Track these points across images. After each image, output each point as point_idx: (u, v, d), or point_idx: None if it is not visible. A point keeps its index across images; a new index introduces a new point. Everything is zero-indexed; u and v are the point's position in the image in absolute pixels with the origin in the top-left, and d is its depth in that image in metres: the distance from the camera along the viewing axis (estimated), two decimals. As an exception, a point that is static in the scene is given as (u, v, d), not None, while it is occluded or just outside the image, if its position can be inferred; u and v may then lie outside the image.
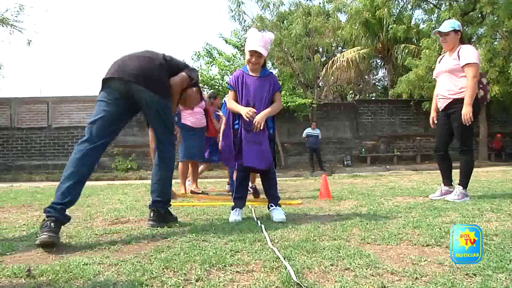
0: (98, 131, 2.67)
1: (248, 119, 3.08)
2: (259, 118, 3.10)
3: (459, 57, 4.01)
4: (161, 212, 2.97)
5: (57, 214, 2.42)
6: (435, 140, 4.47)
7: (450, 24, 4.12)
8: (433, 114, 4.42)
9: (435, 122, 4.38)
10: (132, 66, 2.78)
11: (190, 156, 5.39)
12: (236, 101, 3.24)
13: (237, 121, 3.26)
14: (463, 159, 4.13)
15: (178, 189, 5.39)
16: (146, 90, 2.74)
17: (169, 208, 3.06)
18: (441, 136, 4.29)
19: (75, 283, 1.66)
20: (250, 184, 5.45)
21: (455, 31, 4.08)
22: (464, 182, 4.07)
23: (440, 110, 4.27)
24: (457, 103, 4.00)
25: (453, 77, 4.06)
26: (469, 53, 3.96)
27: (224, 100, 4.97)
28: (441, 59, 4.34)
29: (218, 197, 5.37)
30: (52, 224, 2.35)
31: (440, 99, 4.23)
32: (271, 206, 3.22)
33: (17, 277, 1.74)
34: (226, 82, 3.74)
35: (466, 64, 3.93)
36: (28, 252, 2.22)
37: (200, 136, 5.46)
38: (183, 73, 3.01)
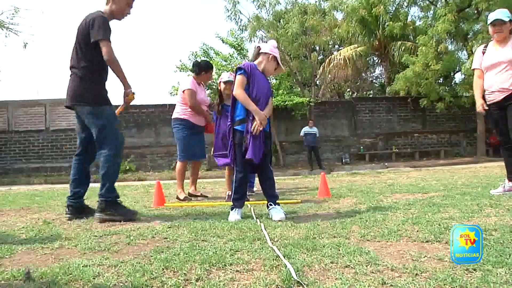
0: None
1: (255, 128, 3.11)
2: (264, 121, 3.14)
3: None
4: (101, 202, 3.31)
5: None
6: (498, 135, 4.25)
7: (505, 13, 3.93)
8: (481, 101, 4.17)
9: (485, 107, 4.16)
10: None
11: (191, 155, 5.06)
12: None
13: (240, 113, 3.24)
14: None
15: (178, 193, 4.95)
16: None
17: (108, 200, 3.33)
18: (504, 129, 4.05)
19: (75, 285, 1.65)
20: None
21: (510, 21, 3.92)
22: None
23: (490, 103, 4.08)
24: None
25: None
26: None
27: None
28: (484, 50, 4.16)
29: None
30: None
31: (495, 92, 4.02)
32: (270, 205, 3.22)
33: (17, 279, 1.74)
34: (238, 67, 3.60)
35: None
36: (27, 255, 2.21)
37: (201, 134, 5.22)
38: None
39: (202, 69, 5.09)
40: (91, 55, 3.33)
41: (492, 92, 4.04)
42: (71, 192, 3.59)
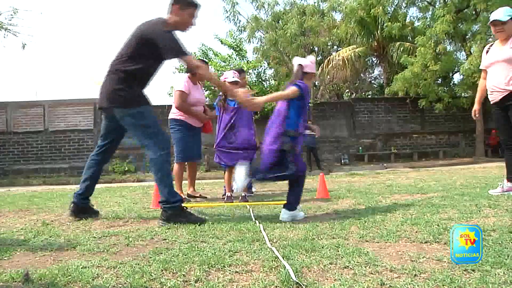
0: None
1: None
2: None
3: None
4: (167, 211, 3.10)
5: None
6: (499, 135, 4.21)
7: (506, 12, 3.84)
8: (476, 106, 4.19)
9: (477, 115, 4.18)
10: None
11: (188, 157, 5.02)
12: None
13: (295, 125, 3.22)
14: None
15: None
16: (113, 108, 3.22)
17: (174, 207, 3.11)
18: (505, 129, 4.01)
19: (74, 287, 1.65)
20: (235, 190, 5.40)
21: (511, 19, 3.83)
22: None
23: (492, 103, 4.03)
24: None
25: (511, 67, 3.80)
26: None
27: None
28: (488, 49, 4.11)
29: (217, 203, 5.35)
30: None
31: (493, 92, 3.96)
32: (283, 206, 3.19)
33: (15, 281, 1.73)
34: (298, 85, 3.62)
35: None
36: (26, 256, 2.21)
37: (198, 135, 5.20)
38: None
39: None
40: (140, 63, 3.18)
41: (492, 92, 4.00)
42: (81, 191, 3.49)
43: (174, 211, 3.09)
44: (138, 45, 3.16)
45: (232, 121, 4.56)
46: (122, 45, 3.28)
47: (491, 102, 4.05)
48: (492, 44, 4.11)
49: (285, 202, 3.21)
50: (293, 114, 3.19)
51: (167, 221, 3.05)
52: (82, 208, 3.51)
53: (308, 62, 3.37)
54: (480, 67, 4.23)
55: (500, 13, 3.88)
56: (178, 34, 3.21)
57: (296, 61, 3.41)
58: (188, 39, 49.14)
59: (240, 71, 5.30)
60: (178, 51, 3.11)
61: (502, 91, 3.86)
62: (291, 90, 3.20)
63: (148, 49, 3.13)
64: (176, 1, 3.21)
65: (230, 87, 3.72)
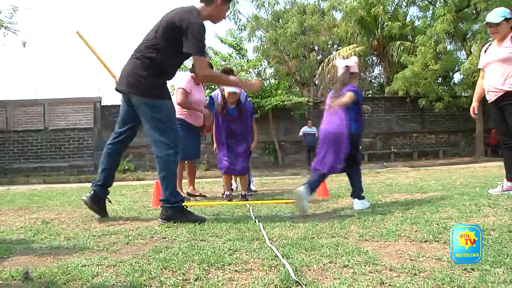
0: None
1: None
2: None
3: None
4: (167, 210, 3.06)
5: None
6: (497, 134, 4.18)
7: (500, 13, 3.82)
8: (474, 104, 4.19)
9: (476, 112, 4.17)
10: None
11: (188, 156, 4.97)
12: None
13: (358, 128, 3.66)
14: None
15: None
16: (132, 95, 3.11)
17: (174, 207, 3.07)
18: (502, 129, 3.97)
19: (74, 285, 1.65)
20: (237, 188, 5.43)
21: (506, 19, 3.80)
22: None
23: (489, 102, 4.01)
24: (509, 96, 3.75)
25: (506, 66, 3.75)
26: None
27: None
28: (487, 48, 4.08)
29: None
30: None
31: (489, 92, 3.94)
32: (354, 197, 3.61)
33: (15, 279, 1.73)
34: (355, 91, 3.94)
35: None
36: (26, 255, 2.21)
37: (198, 134, 5.20)
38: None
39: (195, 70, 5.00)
40: (167, 52, 3.06)
41: (488, 92, 3.99)
42: (101, 181, 3.33)
43: (174, 211, 3.07)
44: (167, 31, 3.01)
45: (232, 129, 4.59)
46: (151, 29, 3.14)
47: (489, 102, 4.04)
48: (490, 44, 4.10)
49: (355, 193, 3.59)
50: (353, 116, 3.57)
51: (167, 220, 3.02)
52: (101, 199, 3.36)
53: (353, 62, 3.63)
54: (478, 67, 4.23)
55: (493, 15, 3.88)
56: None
57: (341, 63, 3.67)
58: (188, 38, 48.98)
59: (225, 71, 5.12)
60: (200, 49, 3.00)
61: (498, 91, 3.84)
62: (349, 97, 3.46)
63: (177, 37, 2.99)
64: None
65: (248, 83, 4.17)
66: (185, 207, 3.18)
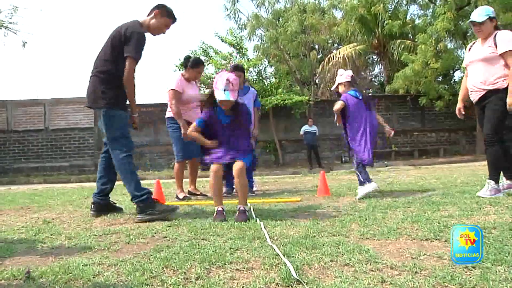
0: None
1: None
2: None
3: (495, 44, 3.66)
4: (139, 205, 3.29)
5: None
6: (483, 133, 4.03)
7: (484, 12, 3.79)
8: (459, 104, 4.15)
9: (463, 113, 4.14)
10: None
11: (188, 155, 4.96)
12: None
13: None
14: (494, 150, 3.75)
15: (178, 193, 4.91)
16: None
17: (143, 200, 3.30)
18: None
19: (75, 284, 1.66)
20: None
21: (490, 18, 3.74)
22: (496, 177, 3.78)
23: (473, 102, 3.95)
24: (491, 95, 3.68)
25: (488, 66, 3.71)
26: (509, 39, 3.60)
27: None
28: (471, 46, 4.05)
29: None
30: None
31: (473, 92, 3.88)
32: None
33: (17, 279, 1.74)
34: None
35: (507, 51, 3.57)
36: (27, 254, 2.22)
37: None
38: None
39: (187, 64, 4.95)
40: (118, 63, 3.35)
41: (471, 92, 3.93)
42: (98, 189, 3.63)
43: (145, 203, 3.28)
44: (115, 40, 3.35)
45: (228, 135, 3.57)
46: (102, 47, 3.47)
47: (473, 103, 3.96)
48: (475, 42, 4.06)
49: None
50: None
51: (142, 213, 3.23)
52: (104, 206, 3.64)
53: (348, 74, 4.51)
54: (462, 65, 4.19)
55: (476, 14, 3.84)
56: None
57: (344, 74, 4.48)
58: (188, 36, 49.07)
59: (236, 68, 5.04)
60: (136, 54, 3.32)
61: (480, 90, 3.79)
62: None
63: (123, 46, 3.32)
64: (159, 7, 3.52)
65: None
66: (155, 199, 3.47)
